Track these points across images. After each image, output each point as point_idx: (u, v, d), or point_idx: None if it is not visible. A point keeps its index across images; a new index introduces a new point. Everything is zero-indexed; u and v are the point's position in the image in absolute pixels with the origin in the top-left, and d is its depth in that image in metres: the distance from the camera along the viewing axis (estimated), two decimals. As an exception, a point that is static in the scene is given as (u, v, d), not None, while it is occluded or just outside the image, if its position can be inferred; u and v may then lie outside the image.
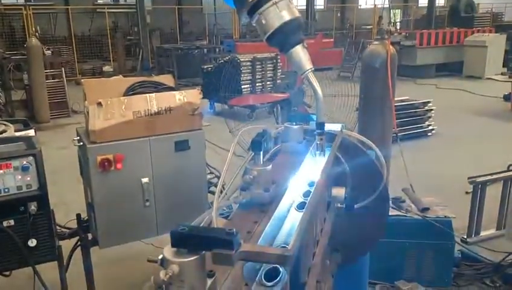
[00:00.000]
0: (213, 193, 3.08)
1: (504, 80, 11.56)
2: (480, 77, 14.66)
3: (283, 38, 1.69)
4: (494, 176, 4.16)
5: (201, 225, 1.40)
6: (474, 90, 12.44)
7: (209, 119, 7.22)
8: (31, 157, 2.54)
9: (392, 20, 20.93)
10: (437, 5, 23.76)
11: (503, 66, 15.35)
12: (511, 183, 4.13)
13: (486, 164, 5.26)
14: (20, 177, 2.52)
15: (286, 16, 1.67)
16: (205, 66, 11.23)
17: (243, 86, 10.17)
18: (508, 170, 4.21)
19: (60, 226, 3.07)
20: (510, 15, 26.03)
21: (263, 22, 1.68)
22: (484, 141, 7.87)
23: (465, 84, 13.48)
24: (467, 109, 10.50)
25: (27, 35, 13.62)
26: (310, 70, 1.71)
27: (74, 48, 17.17)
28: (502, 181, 4.15)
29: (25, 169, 2.51)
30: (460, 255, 3.86)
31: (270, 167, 1.66)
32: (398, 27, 23.55)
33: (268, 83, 10.58)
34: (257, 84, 10.45)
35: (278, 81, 10.55)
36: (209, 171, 3.43)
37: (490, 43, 15.02)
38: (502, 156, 4.74)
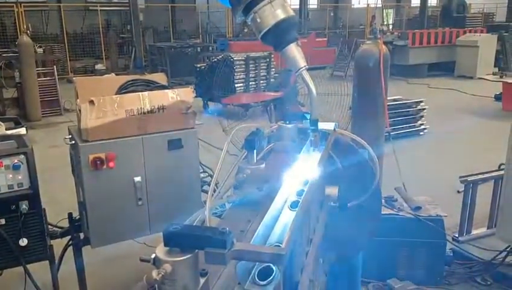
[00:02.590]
0: (206, 191, 3.07)
1: (495, 79, 11.66)
2: (472, 77, 14.76)
3: (277, 36, 1.70)
4: (486, 175, 4.19)
5: (194, 224, 1.40)
6: (466, 90, 12.53)
7: (204, 118, 7.21)
8: (22, 156, 2.52)
9: (385, 20, 21.03)
10: (429, 5, 23.91)
11: (495, 66, 15.47)
12: (502, 183, 4.16)
13: (477, 163, 5.31)
14: (11, 175, 2.50)
15: (281, 15, 1.68)
16: (198, 65, 11.20)
17: (236, 85, 10.16)
18: (499, 169, 4.23)
19: (51, 225, 3.05)
20: (501, 15, 26.23)
21: (258, 20, 1.69)
22: (476, 140, 7.92)
23: (457, 84, 13.57)
24: (458, 108, 10.57)
25: (18, 33, 13.47)
26: (304, 68, 1.73)
27: (66, 46, 17.04)
28: (493, 180, 4.18)
29: (16, 168, 2.50)
30: (452, 254, 3.89)
31: (263, 165, 1.66)
32: (390, 27, 23.68)
33: (261, 81, 10.58)
34: (251, 83, 10.44)
35: (272, 80, 10.55)
36: (202, 170, 3.42)
37: (482, 43, 15.12)
38: (493, 156, 4.78)
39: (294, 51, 1.72)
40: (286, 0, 1.73)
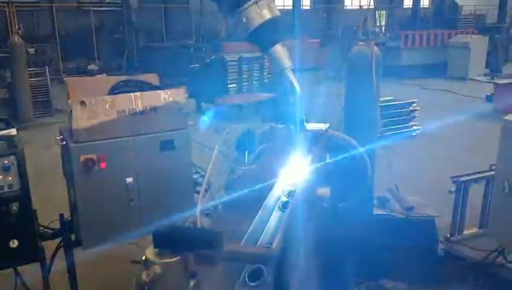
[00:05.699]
0: (199, 192, 3.05)
1: (486, 80, 11.78)
2: (464, 78, 14.87)
3: (263, 36, 1.70)
4: (477, 175, 4.21)
5: (186, 225, 1.39)
6: (458, 91, 12.62)
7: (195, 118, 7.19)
8: (12, 157, 2.50)
9: (378, 22, 21.13)
10: (421, 6, 24.06)
11: (486, 67, 15.60)
12: (493, 183, 4.19)
13: (469, 164, 5.33)
14: (1, 177, 2.48)
15: (267, 15, 1.68)
16: (192, 65, 11.18)
17: (229, 86, 10.15)
18: (490, 170, 4.26)
19: (42, 226, 3.02)
20: (492, 17, 26.43)
21: (244, 20, 1.69)
22: (467, 140, 7.98)
23: (449, 85, 13.66)
24: (450, 109, 10.63)
25: (10, 33, 13.35)
26: (289, 68, 1.74)
27: (58, 46, 16.90)
28: (485, 180, 4.21)
29: (6, 169, 2.47)
30: (443, 254, 3.91)
31: (255, 166, 1.66)
32: (383, 28, 23.78)
33: (255, 82, 10.58)
34: (244, 84, 10.44)
35: (265, 81, 10.56)
36: (195, 171, 3.41)
37: (473, 44, 15.24)
38: (485, 156, 4.81)
39: (280, 51, 1.73)
40: (272, 0, 1.73)
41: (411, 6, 23.77)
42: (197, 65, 11.08)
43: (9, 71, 9.78)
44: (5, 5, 15.78)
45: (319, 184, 1.83)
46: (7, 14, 15.51)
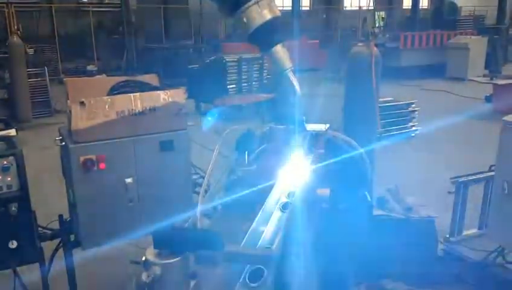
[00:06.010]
0: (198, 193, 3.05)
1: (486, 81, 11.81)
2: (463, 79, 14.88)
3: (264, 37, 1.70)
4: (477, 176, 4.22)
5: (185, 225, 1.39)
6: (457, 92, 12.62)
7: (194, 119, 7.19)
8: (11, 157, 2.50)
9: (377, 23, 21.15)
10: (420, 7, 24.10)
11: (485, 68, 15.62)
12: (493, 183, 4.19)
13: (468, 164, 5.34)
14: (0, 177, 2.47)
15: (267, 15, 1.68)
16: (191, 66, 11.17)
17: (229, 86, 10.15)
18: (490, 171, 4.26)
19: (41, 227, 3.02)
20: (492, 18, 26.47)
21: (244, 20, 1.69)
22: (467, 141, 7.98)
23: (448, 86, 13.66)
24: (450, 110, 10.63)
25: (9, 33, 13.35)
26: (289, 68, 1.74)
27: (57, 47, 16.90)
28: (484, 181, 4.21)
29: (5, 169, 2.47)
30: (443, 254, 3.91)
31: (255, 167, 1.66)
32: (382, 29, 23.81)
33: (254, 83, 10.57)
34: (243, 84, 10.43)
35: (264, 82, 10.56)
36: (194, 172, 3.41)
37: (472, 45, 15.26)
38: (484, 156, 4.82)
39: (280, 52, 1.72)
40: (273, 0, 1.73)
41: (410, 7, 23.78)
42: (197, 66, 11.06)
43: (8, 71, 9.76)
44: (4, 5, 15.75)
45: (318, 185, 1.83)
46: (6, 14, 15.47)
